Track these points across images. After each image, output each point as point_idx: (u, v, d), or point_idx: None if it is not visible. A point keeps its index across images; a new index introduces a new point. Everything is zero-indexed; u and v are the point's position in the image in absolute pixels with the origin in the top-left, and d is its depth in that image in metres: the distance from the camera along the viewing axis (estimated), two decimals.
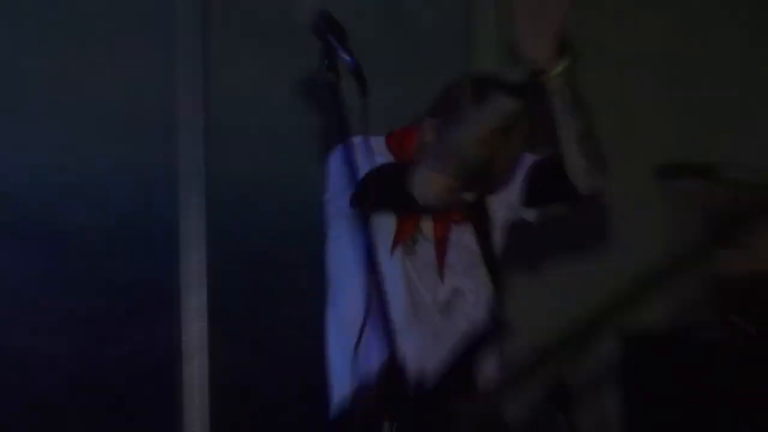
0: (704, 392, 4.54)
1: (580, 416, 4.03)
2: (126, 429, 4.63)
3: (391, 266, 3.10)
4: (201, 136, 3.22)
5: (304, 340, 3.53)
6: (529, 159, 3.20)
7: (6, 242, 4.40)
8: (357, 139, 2.60)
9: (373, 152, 2.92)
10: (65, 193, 4.56)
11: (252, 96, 4.42)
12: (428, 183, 2.90)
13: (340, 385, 3.15)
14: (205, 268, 3.74)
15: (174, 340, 4.01)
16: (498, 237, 3.41)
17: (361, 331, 2.83)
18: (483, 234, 3.38)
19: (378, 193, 2.90)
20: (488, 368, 3.23)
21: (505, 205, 3.38)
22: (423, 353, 3.08)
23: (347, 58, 2.25)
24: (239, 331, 4.52)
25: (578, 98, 2.77)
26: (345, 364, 3.11)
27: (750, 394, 4.45)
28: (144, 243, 4.57)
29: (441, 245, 3.25)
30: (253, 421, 4.45)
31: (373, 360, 2.75)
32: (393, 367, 2.20)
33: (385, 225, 3.17)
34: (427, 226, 3.27)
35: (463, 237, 3.28)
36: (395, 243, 3.13)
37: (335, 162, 3.04)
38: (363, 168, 2.78)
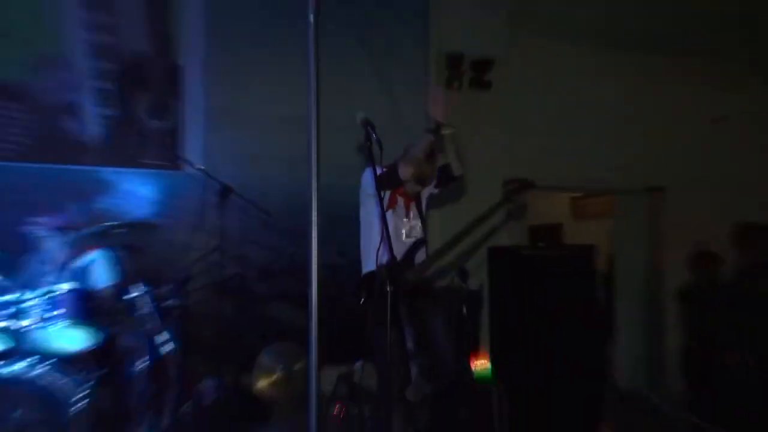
0: (532, 282, 4.43)
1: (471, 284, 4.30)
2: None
3: (387, 216, 3.29)
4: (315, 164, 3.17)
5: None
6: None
7: (242, 212, 4.36)
8: (377, 167, 2.85)
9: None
10: (264, 186, 4.64)
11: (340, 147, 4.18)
12: (404, 172, 3.34)
13: (368, 266, 3.50)
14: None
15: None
16: (424, 205, 3.74)
17: (379, 246, 2.95)
18: (418, 204, 3.69)
19: (383, 181, 3.30)
20: (420, 257, 3.56)
21: (429, 190, 3.74)
22: (397, 251, 3.33)
23: (374, 136, 2.67)
24: (337, 249, 4.59)
25: (457, 140, 3.42)
26: (371, 257, 3.41)
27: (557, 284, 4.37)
28: (296, 206, 4.47)
29: (408, 209, 3.60)
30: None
31: (384, 258, 2.94)
32: (393, 262, 2.75)
33: (386, 199, 3.48)
34: (401, 201, 3.56)
35: (413, 205, 3.64)
36: (388, 207, 3.45)
37: (368, 174, 3.43)
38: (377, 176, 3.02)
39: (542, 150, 5.85)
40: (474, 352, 4.28)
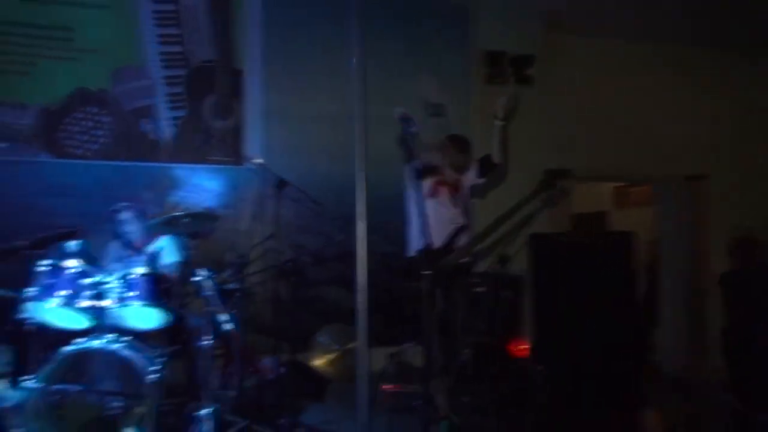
0: (572, 267, 4.26)
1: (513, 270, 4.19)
2: None
3: (429, 203, 3.47)
4: (364, 162, 3.15)
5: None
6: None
7: (297, 202, 4.25)
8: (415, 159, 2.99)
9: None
10: (318, 178, 4.71)
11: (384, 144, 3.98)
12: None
13: (410, 251, 3.52)
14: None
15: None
16: (466, 193, 3.73)
17: (418, 232, 3.04)
18: (461, 193, 3.69)
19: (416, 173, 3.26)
20: (461, 240, 3.55)
21: (472, 180, 3.72)
22: (440, 237, 3.41)
23: (411, 129, 2.72)
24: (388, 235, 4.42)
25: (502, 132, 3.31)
26: (413, 242, 3.46)
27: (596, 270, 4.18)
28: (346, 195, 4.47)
29: (450, 198, 3.60)
30: None
31: (421, 244, 3.00)
32: (430, 247, 2.76)
33: (427, 189, 3.54)
34: (444, 190, 3.59)
35: (456, 194, 3.65)
36: (430, 195, 3.47)
37: (407, 168, 3.42)
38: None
39: (583, 141, 5.69)
40: (514, 334, 4.21)
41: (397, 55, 5.15)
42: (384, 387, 4.09)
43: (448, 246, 3.46)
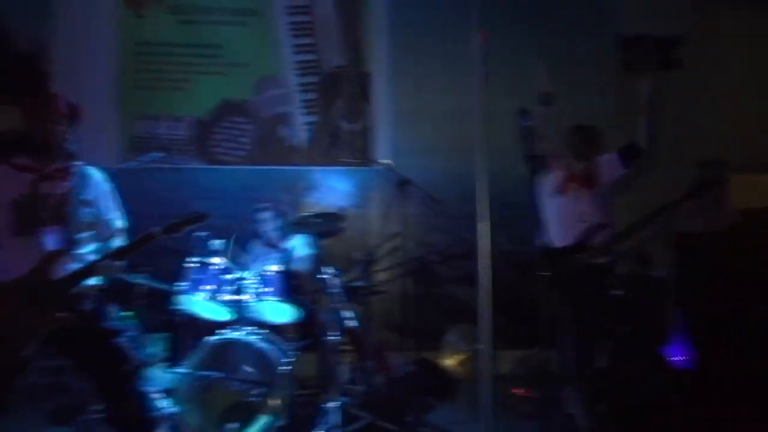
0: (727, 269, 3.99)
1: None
2: None
3: (557, 200, 3.36)
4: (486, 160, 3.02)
5: None
6: (608, 153, 3.44)
7: (423, 201, 4.31)
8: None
9: None
10: (453, 180, 4.59)
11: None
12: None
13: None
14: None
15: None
16: (605, 189, 3.47)
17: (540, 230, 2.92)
18: (594, 188, 3.43)
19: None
20: (598, 239, 3.31)
21: (615, 174, 3.47)
22: (567, 235, 3.28)
23: (528, 123, 2.65)
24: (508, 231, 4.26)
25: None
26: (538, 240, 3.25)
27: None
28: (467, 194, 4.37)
29: (585, 193, 3.39)
30: None
31: (541, 242, 2.91)
32: (548, 245, 2.61)
33: (552, 185, 3.41)
34: (573, 185, 3.39)
35: (589, 189, 3.42)
36: (558, 191, 3.32)
37: (527, 163, 3.18)
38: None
39: (741, 127, 5.16)
40: (656, 338, 3.90)
41: (526, 45, 4.96)
42: (514, 391, 3.99)
43: (580, 245, 3.28)
